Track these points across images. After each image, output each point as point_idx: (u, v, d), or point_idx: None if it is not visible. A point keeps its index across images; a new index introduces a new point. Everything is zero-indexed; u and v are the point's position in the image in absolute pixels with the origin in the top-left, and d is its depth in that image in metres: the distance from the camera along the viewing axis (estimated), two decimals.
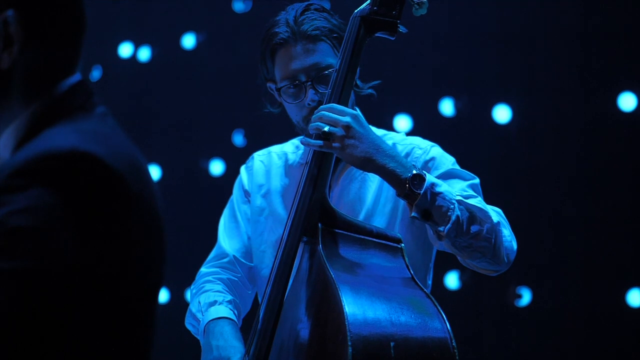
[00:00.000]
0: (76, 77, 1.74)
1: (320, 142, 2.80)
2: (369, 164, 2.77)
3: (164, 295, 5.07)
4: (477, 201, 2.82)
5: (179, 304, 4.99)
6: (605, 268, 4.73)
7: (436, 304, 2.69)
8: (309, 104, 2.95)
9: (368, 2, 2.87)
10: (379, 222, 2.96)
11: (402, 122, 4.87)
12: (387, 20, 2.85)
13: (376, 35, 2.87)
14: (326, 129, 2.79)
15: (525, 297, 4.82)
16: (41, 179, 1.54)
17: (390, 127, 4.64)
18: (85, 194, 1.55)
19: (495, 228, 2.79)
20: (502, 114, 4.85)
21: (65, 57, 1.73)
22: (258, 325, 2.82)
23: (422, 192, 2.72)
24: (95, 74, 5.06)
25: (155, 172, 5.08)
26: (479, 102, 4.88)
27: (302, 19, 2.99)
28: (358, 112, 2.86)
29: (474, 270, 2.92)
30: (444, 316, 2.66)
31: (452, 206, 2.73)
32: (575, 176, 4.78)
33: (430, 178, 2.75)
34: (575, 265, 4.75)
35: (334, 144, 2.78)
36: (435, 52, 4.89)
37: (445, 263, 4.70)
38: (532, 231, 4.72)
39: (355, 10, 2.89)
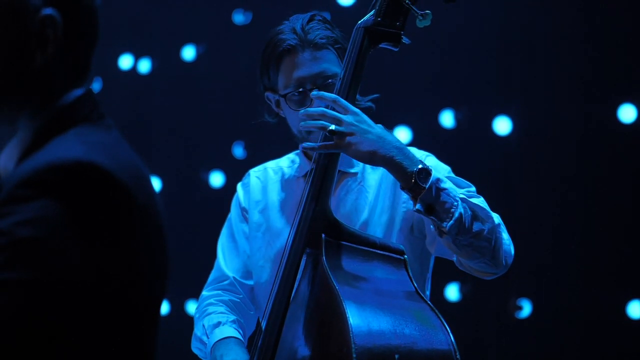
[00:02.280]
0: (82, 89, 1.74)
1: (323, 143, 2.80)
2: (375, 157, 2.77)
3: (164, 307, 5.06)
4: (480, 201, 2.83)
5: (178, 316, 4.99)
6: (606, 280, 4.73)
7: (440, 316, 2.69)
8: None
9: (372, 13, 2.87)
10: (375, 233, 2.95)
11: (402, 133, 4.87)
12: (391, 31, 2.85)
13: (380, 46, 2.88)
14: (332, 127, 2.79)
15: (526, 308, 4.82)
16: (47, 190, 1.54)
17: None
18: (91, 205, 1.55)
19: (496, 229, 2.80)
20: (502, 125, 4.85)
21: (80, 68, 1.73)
22: (260, 338, 2.81)
23: (427, 186, 2.72)
24: (95, 85, 5.05)
25: (155, 183, 5.07)
26: (479, 113, 4.89)
27: (309, 27, 2.99)
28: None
29: (470, 273, 2.91)
30: (448, 328, 2.66)
31: (455, 203, 2.73)
32: (576, 188, 4.78)
33: (436, 174, 2.75)
34: (576, 277, 4.75)
35: (339, 143, 2.78)
36: (436, 64, 4.89)
37: (445, 275, 4.72)
38: (532, 243, 4.71)
39: (359, 21, 2.89)
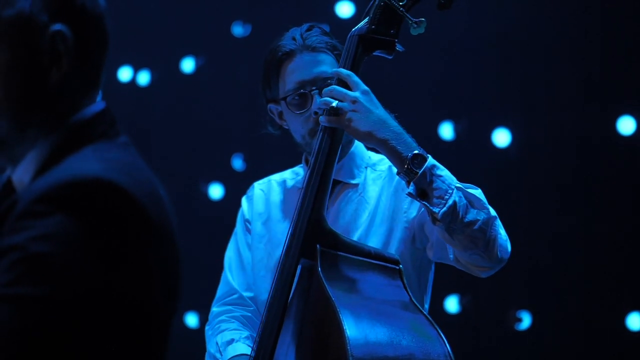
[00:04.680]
0: (100, 105, 1.74)
1: (328, 117, 2.81)
2: (371, 138, 2.78)
3: None
4: (478, 192, 2.81)
5: (178, 328, 4.97)
6: (605, 292, 4.72)
7: (436, 327, 2.68)
8: (315, 113, 2.95)
9: (366, 20, 2.87)
10: (374, 243, 2.95)
11: None
12: (384, 39, 2.85)
13: (374, 54, 2.88)
14: (334, 104, 2.79)
15: (525, 320, 4.81)
16: (63, 206, 1.53)
17: None
18: (107, 222, 1.55)
19: (491, 221, 2.77)
20: (501, 137, 4.85)
21: (93, 80, 1.74)
22: (255, 349, 2.81)
23: (420, 171, 2.71)
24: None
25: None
26: (478, 125, 4.88)
27: (307, 34, 3.02)
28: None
29: (466, 270, 2.87)
30: (445, 339, 2.65)
31: (450, 191, 2.72)
32: (575, 199, 4.77)
33: (432, 160, 2.75)
34: (575, 289, 4.74)
35: (341, 118, 2.78)
36: (435, 75, 4.89)
37: (445, 286, 4.71)
38: (532, 255, 4.71)
39: (353, 29, 2.90)
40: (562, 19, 4.82)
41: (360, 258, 2.78)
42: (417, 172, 2.72)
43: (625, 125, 4.75)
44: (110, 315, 1.56)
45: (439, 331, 2.66)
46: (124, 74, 5.16)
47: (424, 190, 2.73)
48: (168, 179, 5.07)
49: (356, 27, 2.89)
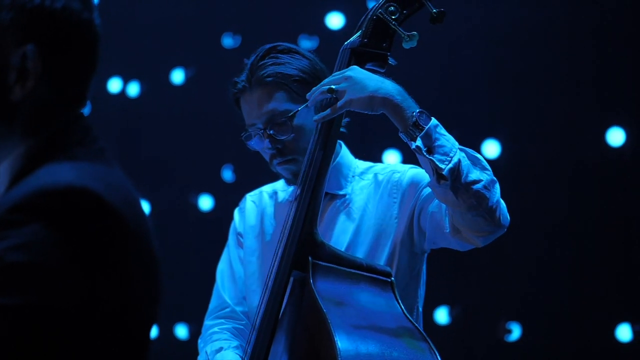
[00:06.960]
0: (74, 114, 1.73)
1: (325, 113, 2.80)
2: (375, 100, 2.75)
3: (152, 331, 5.03)
4: (479, 156, 2.80)
5: (167, 340, 4.96)
6: (595, 303, 4.72)
7: (427, 339, 2.68)
8: (265, 151, 2.99)
9: (358, 34, 2.87)
10: (361, 252, 2.95)
11: (391, 157, 4.87)
12: (377, 52, 2.86)
13: (366, 67, 2.88)
14: (332, 86, 2.77)
15: (515, 332, 4.81)
16: (39, 215, 1.53)
17: (379, 162, 4.64)
18: (83, 230, 1.55)
19: (494, 183, 2.76)
20: (491, 148, 4.86)
21: (74, 96, 1.73)
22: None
23: (427, 126, 2.70)
24: (84, 109, 5.05)
25: (144, 207, 5.05)
26: (468, 137, 4.87)
27: (261, 64, 3.00)
28: None
29: (464, 239, 2.83)
30: (436, 351, 2.65)
31: (454, 149, 2.71)
32: (564, 211, 4.78)
33: (435, 120, 2.74)
34: (565, 301, 4.75)
35: (341, 99, 2.77)
36: (425, 87, 4.89)
37: (435, 298, 4.71)
38: (522, 266, 4.72)
39: (346, 42, 2.90)
40: (553, 30, 4.83)
41: (352, 270, 2.78)
42: (424, 128, 2.71)
43: (615, 136, 4.76)
44: (90, 322, 1.56)
45: (431, 343, 2.66)
46: (114, 85, 5.16)
47: (429, 147, 2.71)
48: (158, 191, 5.11)
49: (349, 41, 2.89)
